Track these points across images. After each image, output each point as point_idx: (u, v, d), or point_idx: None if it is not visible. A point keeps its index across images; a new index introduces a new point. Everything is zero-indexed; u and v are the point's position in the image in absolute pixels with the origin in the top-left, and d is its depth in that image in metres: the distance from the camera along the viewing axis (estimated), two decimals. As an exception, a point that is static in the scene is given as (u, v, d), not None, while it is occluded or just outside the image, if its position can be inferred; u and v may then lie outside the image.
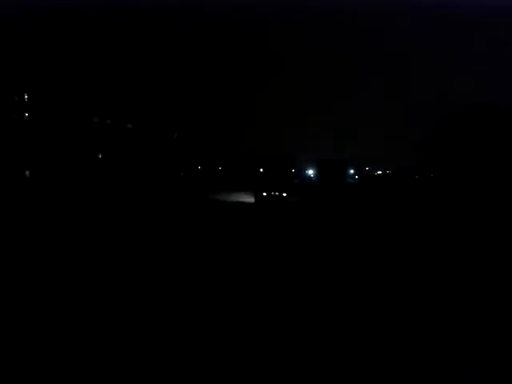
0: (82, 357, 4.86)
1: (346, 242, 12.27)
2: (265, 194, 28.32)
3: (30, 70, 47.47)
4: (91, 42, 56.96)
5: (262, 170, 34.00)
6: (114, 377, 4.45)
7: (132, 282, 7.84)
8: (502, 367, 4.63)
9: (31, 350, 5.02)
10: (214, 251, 10.78)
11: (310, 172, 70.03)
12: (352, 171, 65.81)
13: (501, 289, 7.42)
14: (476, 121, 60.26)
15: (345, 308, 6.49)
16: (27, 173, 46.89)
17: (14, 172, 44.33)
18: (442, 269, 8.87)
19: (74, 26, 56.09)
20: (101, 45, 58.48)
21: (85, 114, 54.89)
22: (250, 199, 29.90)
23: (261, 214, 20.28)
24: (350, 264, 9.36)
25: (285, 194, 28.51)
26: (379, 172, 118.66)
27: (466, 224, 15.73)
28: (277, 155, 34.86)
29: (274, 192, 28.25)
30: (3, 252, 10.61)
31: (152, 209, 22.75)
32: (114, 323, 5.85)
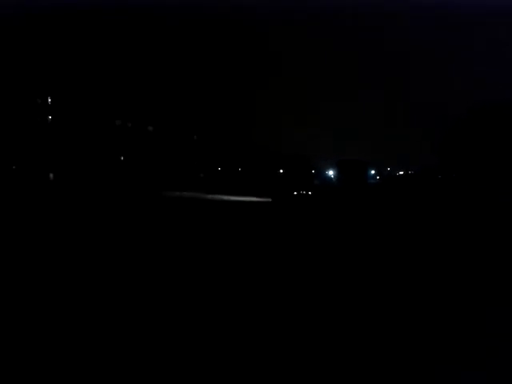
0: (82, 357, 4.88)
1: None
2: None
3: (52, 73, 48.43)
4: (109, 46, 57.74)
5: (281, 171, 34.08)
6: (114, 377, 4.46)
7: (151, 281, 7.89)
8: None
9: (31, 350, 5.07)
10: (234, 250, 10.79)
11: (330, 173, 69.51)
12: (373, 172, 64.91)
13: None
14: (497, 119, 58.92)
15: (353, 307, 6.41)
16: (51, 175, 47.81)
17: (38, 175, 45.25)
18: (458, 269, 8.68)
19: (88, 28, 56.90)
20: (118, 48, 59.17)
21: (107, 117, 55.67)
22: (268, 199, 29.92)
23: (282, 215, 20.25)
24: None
25: (310, 193, 28.59)
26: (401, 172, 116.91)
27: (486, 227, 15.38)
28: (295, 156, 34.87)
29: (298, 191, 28.33)
30: (25, 252, 10.82)
31: (172, 209, 22.93)
32: (119, 323, 5.88)
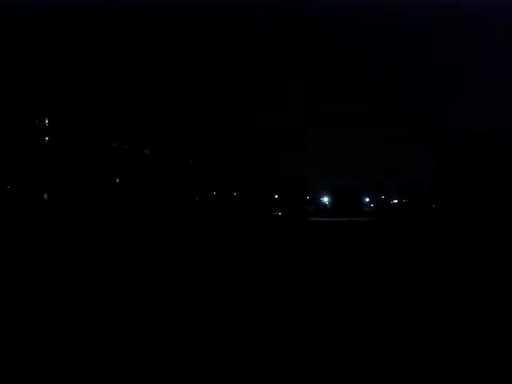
0: (82, 357, 4.85)
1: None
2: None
3: (50, 92, 48.83)
4: (105, 60, 58.38)
5: (276, 196, 34.27)
6: (114, 377, 4.43)
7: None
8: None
9: (31, 350, 5.03)
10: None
11: (325, 199, 69.89)
12: (367, 199, 65.37)
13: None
14: (491, 151, 60.04)
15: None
16: (45, 196, 47.72)
17: (32, 195, 45.15)
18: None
19: (86, 38, 57.43)
20: (115, 62, 59.86)
21: (104, 139, 55.98)
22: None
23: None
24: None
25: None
26: (395, 201, 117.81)
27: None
28: (290, 181, 35.21)
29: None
30: (23, 267, 10.79)
31: (167, 233, 22.90)
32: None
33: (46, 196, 47.68)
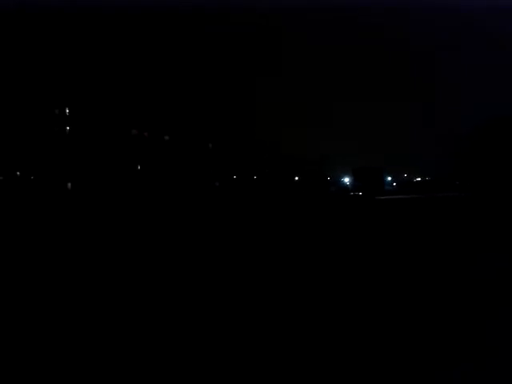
0: (82, 357, 4.86)
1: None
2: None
3: (71, 82, 49.31)
4: (123, 55, 58.60)
5: (296, 178, 34.04)
6: (114, 377, 4.43)
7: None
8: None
9: (31, 350, 5.07)
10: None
11: (346, 180, 69.19)
12: (390, 178, 64.44)
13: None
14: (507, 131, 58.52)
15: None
16: (69, 185, 48.55)
17: (56, 184, 45.97)
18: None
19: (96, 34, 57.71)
20: (130, 57, 60.05)
21: (124, 127, 56.42)
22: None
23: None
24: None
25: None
26: (418, 179, 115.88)
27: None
28: (310, 162, 34.90)
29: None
30: (37, 258, 10.95)
31: (187, 218, 22.99)
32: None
33: (69, 185, 48.52)
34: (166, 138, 64.81)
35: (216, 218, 23.14)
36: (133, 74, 57.14)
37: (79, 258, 11.01)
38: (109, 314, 6.40)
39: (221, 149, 74.79)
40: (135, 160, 57.69)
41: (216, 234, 15.86)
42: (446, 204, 30.48)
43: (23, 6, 43.90)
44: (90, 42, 60.40)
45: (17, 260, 11.00)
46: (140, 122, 59.47)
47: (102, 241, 14.29)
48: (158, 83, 62.01)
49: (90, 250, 12.43)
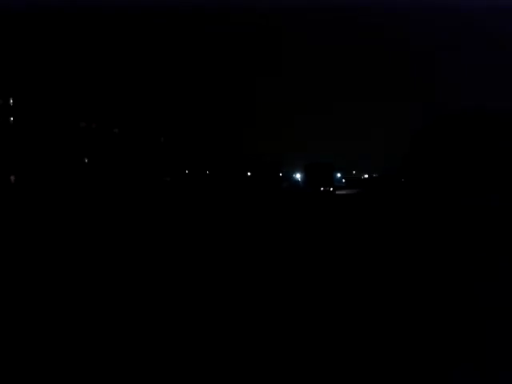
0: (82, 357, 4.85)
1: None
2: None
3: (15, 72, 47.00)
4: (78, 44, 56.60)
5: (249, 174, 34.31)
6: (114, 377, 4.45)
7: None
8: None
9: (31, 350, 5.01)
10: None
11: (298, 176, 70.27)
12: (339, 175, 66.10)
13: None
14: (462, 124, 61.22)
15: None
16: (12, 178, 46.30)
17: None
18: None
19: (61, 25, 55.56)
20: (87, 46, 58.19)
21: (71, 119, 54.42)
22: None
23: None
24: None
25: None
26: (366, 176, 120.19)
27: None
28: (267, 160, 35.34)
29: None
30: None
31: (136, 213, 22.69)
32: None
33: (12, 178, 46.27)
34: (116, 130, 63.14)
35: (159, 211, 23.24)
36: (133, 74, 56.30)
37: (20, 253, 10.71)
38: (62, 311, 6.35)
39: (173, 143, 73.74)
40: (83, 152, 55.85)
41: (156, 227, 15.91)
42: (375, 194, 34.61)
43: None
44: (89, 43, 58.81)
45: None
46: (88, 114, 57.58)
47: (44, 235, 13.88)
48: (106, 74, 60.06)
49: (32, 244, 12.09)
